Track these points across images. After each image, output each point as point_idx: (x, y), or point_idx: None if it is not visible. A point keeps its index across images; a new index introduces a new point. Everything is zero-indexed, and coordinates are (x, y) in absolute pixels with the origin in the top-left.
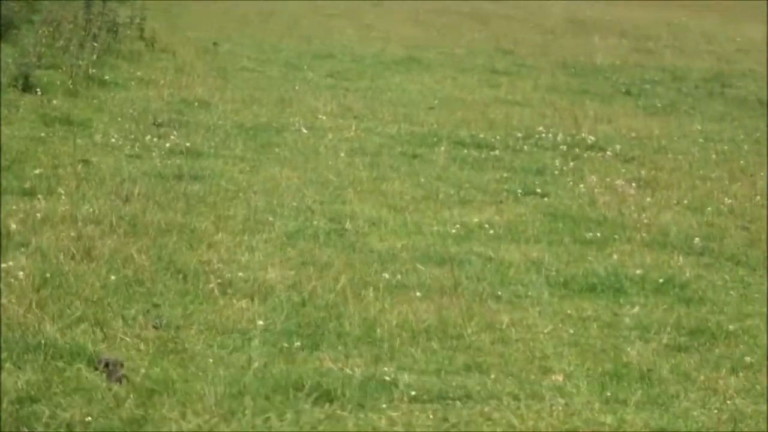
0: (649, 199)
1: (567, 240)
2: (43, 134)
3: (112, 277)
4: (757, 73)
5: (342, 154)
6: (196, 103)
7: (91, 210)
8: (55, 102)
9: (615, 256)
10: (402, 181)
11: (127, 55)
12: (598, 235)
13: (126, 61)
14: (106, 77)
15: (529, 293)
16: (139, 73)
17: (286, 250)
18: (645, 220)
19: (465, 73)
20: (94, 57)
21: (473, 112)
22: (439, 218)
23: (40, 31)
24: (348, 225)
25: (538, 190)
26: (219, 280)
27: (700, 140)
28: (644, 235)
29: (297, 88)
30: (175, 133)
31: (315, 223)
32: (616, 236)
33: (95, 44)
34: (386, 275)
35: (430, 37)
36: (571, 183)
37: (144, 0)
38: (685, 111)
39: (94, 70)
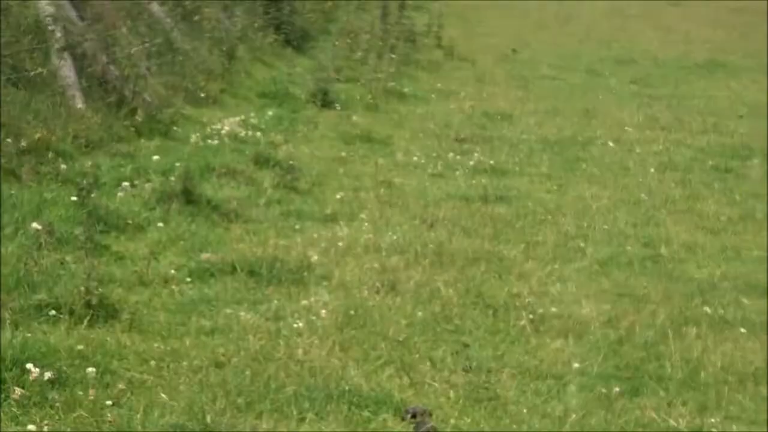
0: None
1: None
2: (343, 153)
3: (419, 314)
4: None
5: (652, 170)
6: (498, 116)
7: (394, 237)
8: (354, 118)
9: None
10: (716, 199)
11: (425, 66)
12: None
13: (425, 71)
14: (405, 90)
15: None
16: (438, 85)
17: (600, 280)
18: None
19: None
20: (392, 69)
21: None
22: (758, 241)
23: (336, 43)
24: (663, 250)
25: None
26: (531, 316)
27: None
28: None
29: (600, 97)
30: (478, 149)
31: (628, 248)
32: None
33: (393, 56)
34: (707, 309)
35: (732, 38)
36: None
37: (442, 2)
38: None
39: (392, 83)
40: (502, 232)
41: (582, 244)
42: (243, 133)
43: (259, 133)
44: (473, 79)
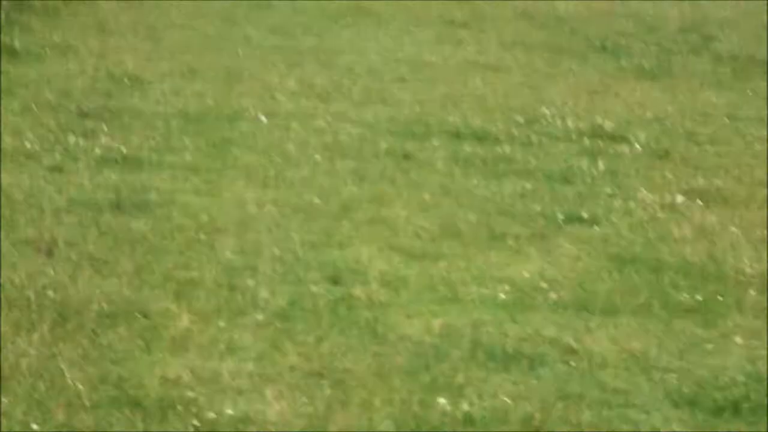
0: (734, 230)
1: (658, 309)
2: None
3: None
4: (733, 21)
5: (317, 156)
6: (127, 80)
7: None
8: None
9: (738, 339)
10: (404, 200)
11: (40, 11)
12: (699, 298)
13: (40, 18)
14: (16, 44)
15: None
16: (55, 38)
17: (284, 348)
18: (748, 268)
19: (422, 27)
20: (2, 16)
21: (452, 84)
22: (474, 271)
23: None
24: (357, 290)
25: (584, 215)
26: (197, 424)
27: (725, 120)
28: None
29: (240, 52)
30: (105, 128)
31: (312, 288)
32: (720, 297)
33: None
34: (442, 399)
35: None
36: (615, 199)
37: None
38: (678, 74)
39: (2, 35)
40: (144, 264)
41: (251, 282)
42: None
43: None
44: (95, 29)
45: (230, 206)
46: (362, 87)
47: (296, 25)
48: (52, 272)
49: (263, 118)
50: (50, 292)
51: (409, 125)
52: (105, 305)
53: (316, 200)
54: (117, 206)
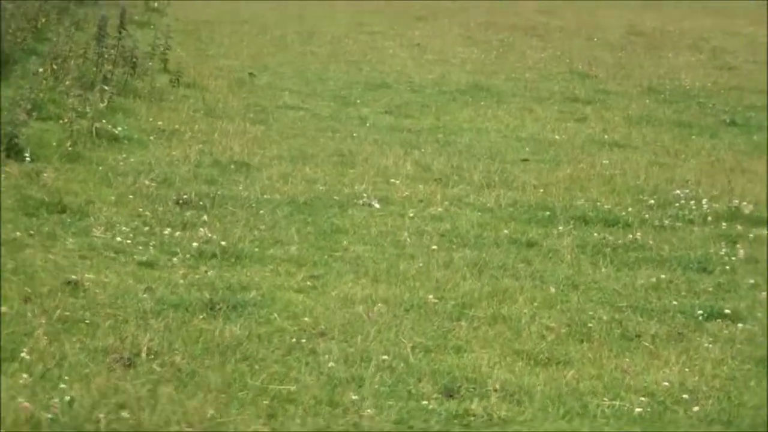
0: None
1: None
2: (18, 233)
3: None
4: None
5: (434, 247)
6: (232, 166)
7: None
8: (45, 175)
9: None
10: (527, 295)
11: (146, 95)
12: None
13: (146, 102)
14: (118, 129)
15: None
16: (160, 123)
17: None
18: None
19: (543, 104)
20: (104, 102)
21: (577, 164)
22: (606, 380)
23: (41, 70)
24: (474, 405)
25: (726, 310)
26: None
27: None
28: None
29: (355, 135)
30: (205, 218)
31: (424, 403)
32: None
33: (105, 87)
34: None
35: (491, 58)
36: (759, 290)
37: (171, 18)
38: None
39: (103, 121)
40: (236, 376)
41: (355, 397)
42: None
43: None
44: (203, 112)
45: (336, 305)
46: (482, 169)
47: (413, 104)
48: (129, 388)
49: (376, 204)
50: (124, 413)
51: (533, 210)
52: (186, 428)
53: (431, 297)
54: (210, 307)
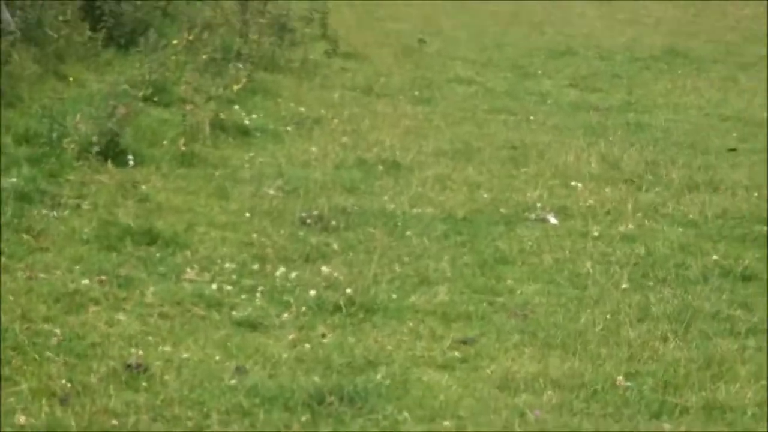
0: None
1: None
2: (86, 282)
3: None
4: None
5: (624, 285)
6: (380, 167)
7: None
8: (145, 187)
9: None
10: (749, 367)
11: (296, 70)
12: None
13: (295, 78)
14: (252, 118)
15: None
16: (302, 109)
17: None
18: None
19: (748, 72)
20: (241, 83)
21: None
22: None
23: (174, 42)
24: None
25: None
26: None
27: None
28: None
29: (532, 118)
30: (335, 245)
31: None
32: None
33: (239, 65)
34: None
35: (688, 16)
36: None
37: None
38: None
39: (236, 107)
40: None
41: None
42: None
43: None
44: (360, 91)
45: (491, 395)
46: (682, 164)
47: (601, 75)
48: None
49: (552, 219)
50: None
51: (747, 223)
52: None
53: (621, 378)
54: (319, 401)
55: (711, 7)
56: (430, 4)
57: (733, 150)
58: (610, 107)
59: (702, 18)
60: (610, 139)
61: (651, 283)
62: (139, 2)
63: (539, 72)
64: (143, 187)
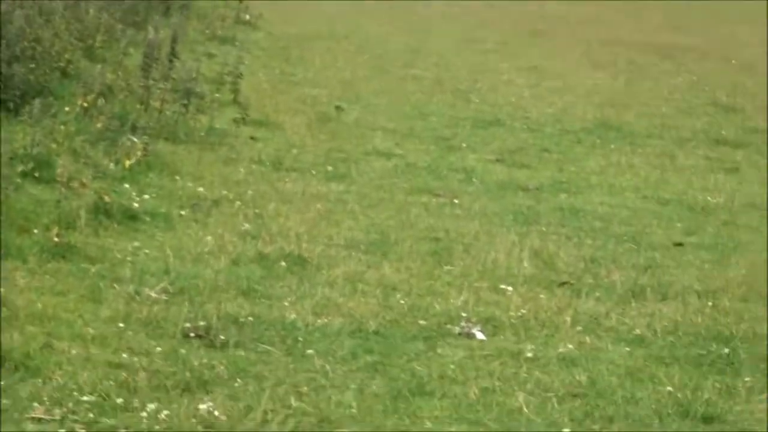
0: None
1: None
2: None
3: None
4: None
5: (565, 430)
6: (283, 263)
7: None
8: (2, 290)
9: None
10: None
11: (199, 140)
12: None
13: (197, 149)
14: (142, 199)
15: None
16: (201, 189)
17: None
18: None
19: (685, 147)
20: (134, 158)
21: (747, 252)
22: None
23: (67, 109)
24: None
25: None
26: None
27: None
28: None
29: (457, 201)
30: (220, 368)
31: None
32: None
33: (134, 138)
34: None
35: (619, 85)
36: None
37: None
38: None
39: (126, 185)
40: None
41: None
42: None
43: None
44: (269, 164)
45: None
46: (624, 263)
47: (530, 148)
48: None
49: (479, 334)
50: None
51: (703, 342)
52: None
53: None
54: None
55: (642, 75)
56: (350, 68)
57: (680, 245)
58: (541, 186)
59: (634, 87)
60: (543, 229)
61: (596, 427)
62: (33, 65)
63: (464, 145)
64: (1, 289)
